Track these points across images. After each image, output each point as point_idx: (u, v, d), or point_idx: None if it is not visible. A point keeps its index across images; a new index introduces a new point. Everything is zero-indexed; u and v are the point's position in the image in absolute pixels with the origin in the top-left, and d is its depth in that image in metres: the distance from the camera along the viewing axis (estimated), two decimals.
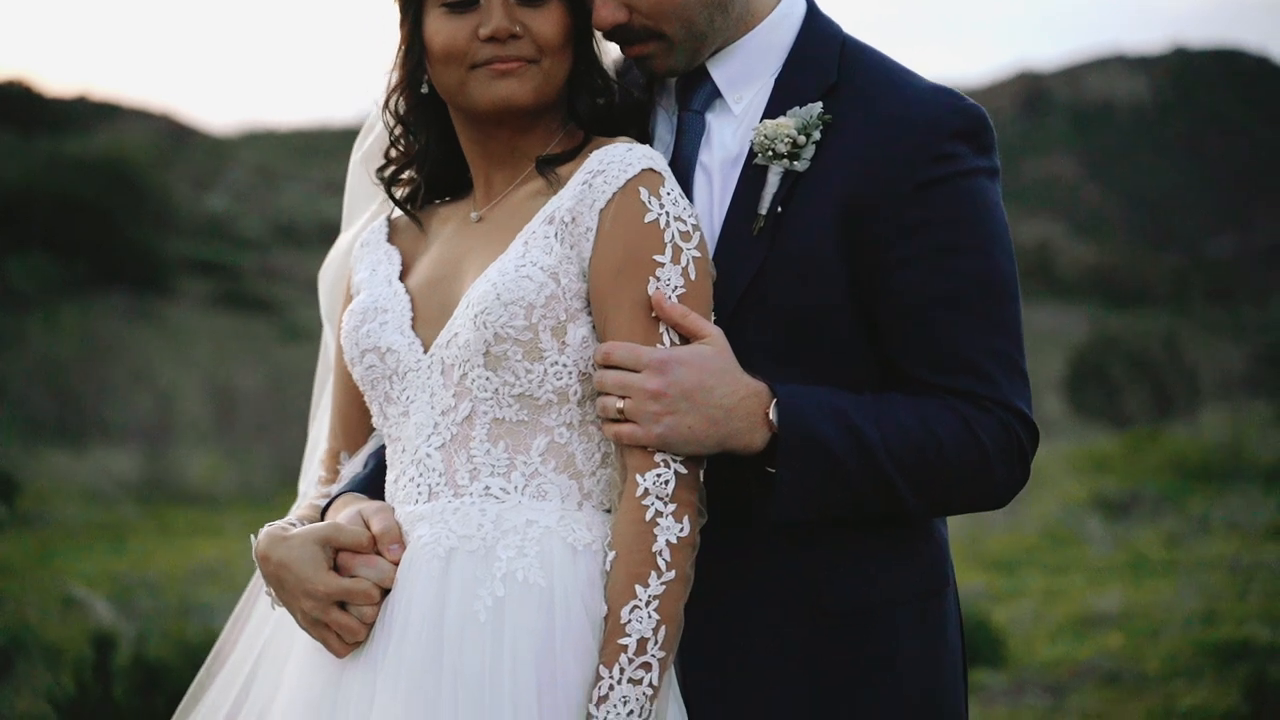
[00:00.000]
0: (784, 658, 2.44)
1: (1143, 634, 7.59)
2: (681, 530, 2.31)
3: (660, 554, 2.30)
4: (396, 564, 2.37)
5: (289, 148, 31.84)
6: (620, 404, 2.31)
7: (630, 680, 2.28)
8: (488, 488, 2.37)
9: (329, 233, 27.75)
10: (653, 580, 2.30)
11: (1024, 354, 2.48)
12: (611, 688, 2.28)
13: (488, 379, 2.36)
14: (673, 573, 2.30)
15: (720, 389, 2.32)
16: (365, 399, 2.53)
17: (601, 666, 2.29)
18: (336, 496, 2.56)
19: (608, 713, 2.27)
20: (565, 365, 2.36)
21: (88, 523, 10.76)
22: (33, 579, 8.62)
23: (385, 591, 2.37)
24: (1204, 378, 18.68)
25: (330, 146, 32.00)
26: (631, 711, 2.28)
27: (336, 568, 2.38)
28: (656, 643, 2.29)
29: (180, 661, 5.71)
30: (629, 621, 2.29)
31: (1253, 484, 11.75)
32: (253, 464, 13.13)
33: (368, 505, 2.44)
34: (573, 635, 2.31)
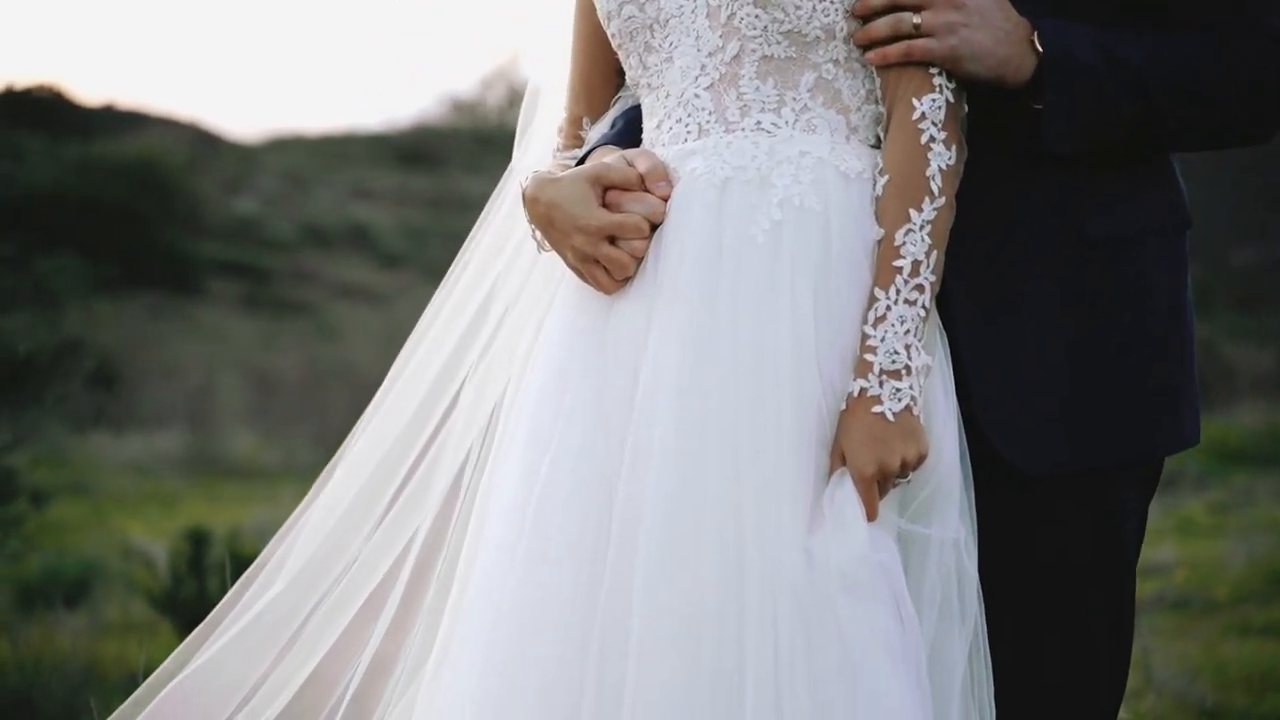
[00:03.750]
0: (1046, 285, 2.50)
1: (1206, 572, 7.62)
2: (950, 158, 2.39)
3: (933, 179, 2.37)
4: (665, 200, 2.42)
5: (317, 153, 31.81)
6: (917, 18, 2.37)
7: (906, 301, 2.34)
8: (759, 123, 2.43)
9: (358, 236, 27.88)
10: (925, 205, 2.37)
11: None
12: (889, 308, 2.34)
13: (757, 17, 2.41)
14: (943, 199, 2.37)
15: (997, 14, 2.40)
16: (621, 54, 2.56)
17: (877, 289, 2.35)
18: (590, 150, 2.60)
19: (885, 332, 2.33)
20: (832, 2, 2.41)
21: (138, 492, 10.81)
22: (91, 534, 8.68)
23: (654, 227, 2.42)
24: (1240, 377, 18.64)
25: (358, 152, 32.01)
26: (908, 330, 2.33)
27: (606, 206, 2.43)
28: (929, 266, 2.36)
29: None
30: (903, 244, 2.36)
31: None
32: (294, 443, 13.16)
33: (630, 150, 2.50)
34: (847, 258, 2.37)
